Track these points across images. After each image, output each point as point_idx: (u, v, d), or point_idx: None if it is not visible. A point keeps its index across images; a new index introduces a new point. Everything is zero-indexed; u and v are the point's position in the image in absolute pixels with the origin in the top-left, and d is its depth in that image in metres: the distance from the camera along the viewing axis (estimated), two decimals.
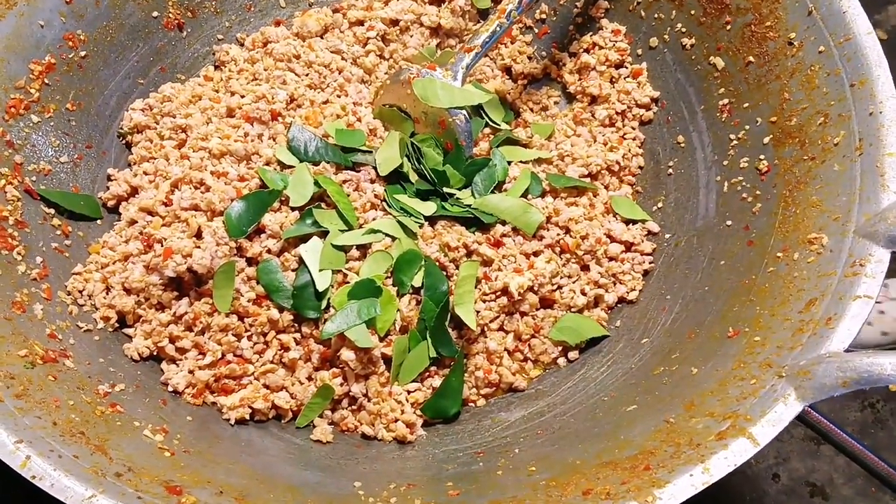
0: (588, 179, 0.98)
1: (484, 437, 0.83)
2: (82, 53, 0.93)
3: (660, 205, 0.97)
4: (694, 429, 0.67)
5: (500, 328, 0.90)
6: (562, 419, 0.82)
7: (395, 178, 0.95)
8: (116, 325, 0.86)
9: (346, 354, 0.82)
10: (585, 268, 0.93)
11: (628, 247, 0.95)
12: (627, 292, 0.93)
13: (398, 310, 0.86)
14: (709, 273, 0.86)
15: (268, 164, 0.91)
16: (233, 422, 0.82)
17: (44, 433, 0.65)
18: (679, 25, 0.97)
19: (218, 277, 0.83)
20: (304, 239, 0.87)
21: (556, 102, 1.09)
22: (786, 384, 0.65)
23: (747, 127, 0.89)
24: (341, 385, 0.84)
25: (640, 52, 1.03)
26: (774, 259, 0.78)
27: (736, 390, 0.69)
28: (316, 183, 0.89)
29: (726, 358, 0.74)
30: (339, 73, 1.02)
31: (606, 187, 0.99)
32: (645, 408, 0.75)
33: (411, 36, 1.07)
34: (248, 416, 0.83)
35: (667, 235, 0.95)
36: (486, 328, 0.89)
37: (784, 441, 1.13)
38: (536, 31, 1.11)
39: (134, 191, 0.93)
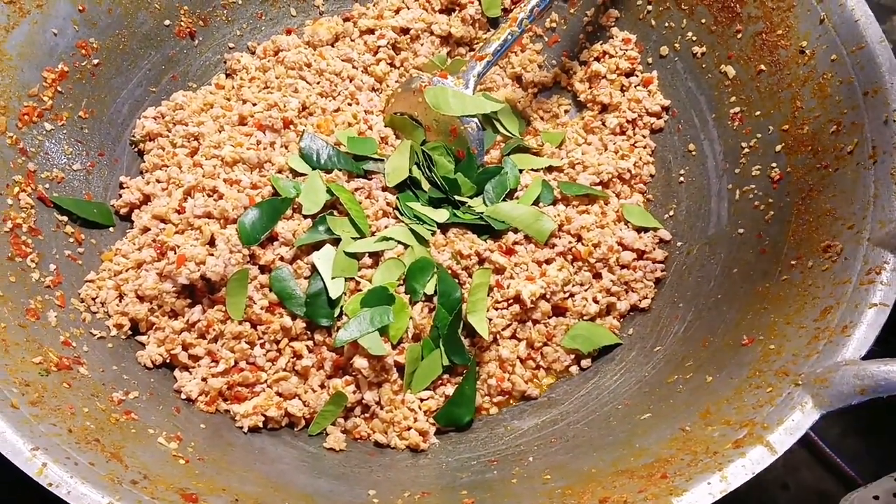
0: (599, 187, 0.98)
1: (497, 445, 0.83)
2: (95, 61, 0.93)
3: (671, 213, 0.97)
4: (710, 437, 0.67)
5: (513, 336, 0.89)
6: (575, 427, 0.81)
7: (408, 186, 0.95)
8: (129, 332, 0.86)
9: (359, 362, 0.82)
10: (597, 276, 0.93)
11: (640, 255, 0.95)
12: (640, 300, 0.93)
13: (411, 318, 0.86)
14: (721, 281, 0.86)
15: (280, 171, 0.91)
16: (246, 429, 0.82)
17: (59, 440, 0.64)
18: (690, 34, 0.97)
19: (231, 285, 0.83)
20: (317, 246, 0.87)
21: (566, 111, 1.10)
22: (802, 392, 0.65)
23: (759, 135, 0.89)
24: (354, 393, 0.84)
25: (650, 60, 1.03)
26: (788, 267, 0.78)
27: (752, 398, 0.68)
28: (328, 191, 0.89)
29: (741, 366, 0.74)
30: (350, 82, 1.02)
31: (618, 195, 0.99)
32: (659, 416, 0.75)
33: (422, 44, 1.07)
34: (261, 424, 0.83)
35: (679, 243, 0.95)
36: (498, 336, 0.89)
37: (793, 450, 1.12)
38: (547, 39, 1.11)
39: (146, 198, 0.93)
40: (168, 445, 0.72)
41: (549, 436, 0.81)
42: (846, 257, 0.73)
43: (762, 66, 0.89)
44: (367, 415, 0.85)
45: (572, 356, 0.90)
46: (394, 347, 0.84)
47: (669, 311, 0.90)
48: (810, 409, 0.64)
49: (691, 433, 0.69)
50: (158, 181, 0.94)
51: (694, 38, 0.97)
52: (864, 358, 0.66)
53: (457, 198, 0.95)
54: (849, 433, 1.14)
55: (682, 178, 0.98)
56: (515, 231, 0.92)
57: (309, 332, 0.86)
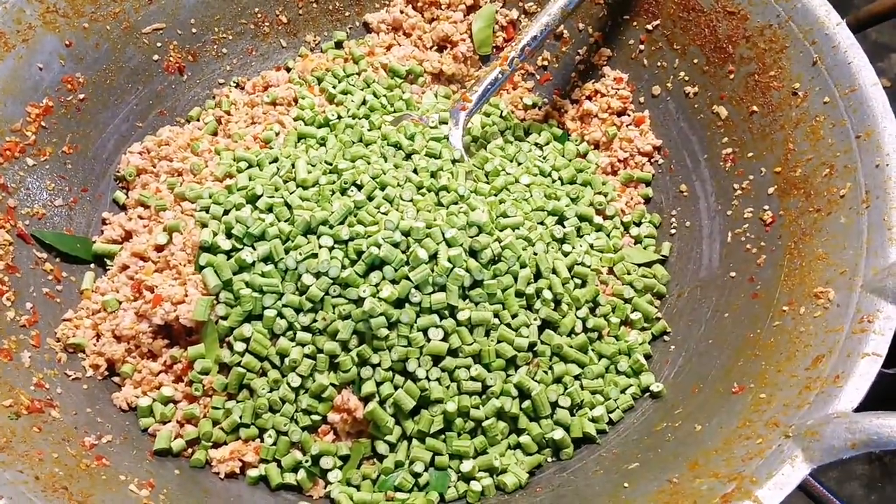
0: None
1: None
2: (81, 96, 0.92)
3: (663, 254, 0.96)
4: (698, 490, 0.65)
5: None
6: (561, 476, 0.79)
7: None
8: (105, 373, 0.84)
9: (332, 417, 0.80)
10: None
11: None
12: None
13: None
14: (713, 325, 0.84)
15: None
16: (222, 475, 0.79)
17: (25, 488, 0.63)
18: (682, 74, 0.96)
19: (206, 328, 0.81)
20: None
21: None
22: (793, 445, 0.63)
23: (751, 177, 0.87)
24: (333, 442, 0.81)
25: (642, 99, 1.02)
26: (780, 313, 0.77)
27: (741, 450, 0.66)
28: None
29: (731, 415, 0.72)
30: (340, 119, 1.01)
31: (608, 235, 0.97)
32: (647, 466, 0.73)
33: (412, 82, 1.06)
34: (237, 470, 0.80)
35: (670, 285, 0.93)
36: None
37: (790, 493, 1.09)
38: (538, 77, 1.10)
39: (128, 235, 0.92)
40: (139, 493, 0.70)
41: (535, 485, 0.79)
42: (838, 304, 0.71)
43: (754, 108, 0.87)
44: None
45: None
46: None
47: (660, 354, 0.88)
48: (800, 462, 0.62)
49: (679, 485, 0.67)
50: (140, 217, 0.92)
51: (686, 78, 0.96)
52: (859, 409, 0.64)
53: None
54: (850, 479, 1.12)
55: (673, 219, 0.96)
56: None
57: None
